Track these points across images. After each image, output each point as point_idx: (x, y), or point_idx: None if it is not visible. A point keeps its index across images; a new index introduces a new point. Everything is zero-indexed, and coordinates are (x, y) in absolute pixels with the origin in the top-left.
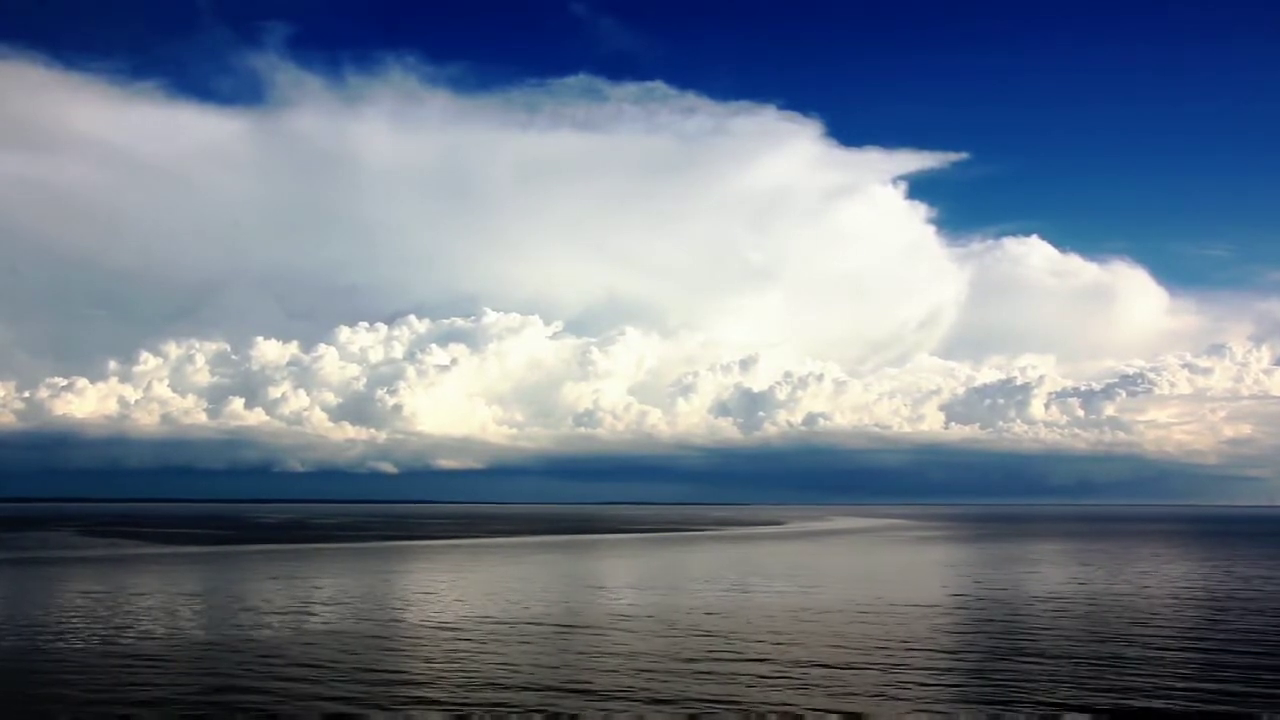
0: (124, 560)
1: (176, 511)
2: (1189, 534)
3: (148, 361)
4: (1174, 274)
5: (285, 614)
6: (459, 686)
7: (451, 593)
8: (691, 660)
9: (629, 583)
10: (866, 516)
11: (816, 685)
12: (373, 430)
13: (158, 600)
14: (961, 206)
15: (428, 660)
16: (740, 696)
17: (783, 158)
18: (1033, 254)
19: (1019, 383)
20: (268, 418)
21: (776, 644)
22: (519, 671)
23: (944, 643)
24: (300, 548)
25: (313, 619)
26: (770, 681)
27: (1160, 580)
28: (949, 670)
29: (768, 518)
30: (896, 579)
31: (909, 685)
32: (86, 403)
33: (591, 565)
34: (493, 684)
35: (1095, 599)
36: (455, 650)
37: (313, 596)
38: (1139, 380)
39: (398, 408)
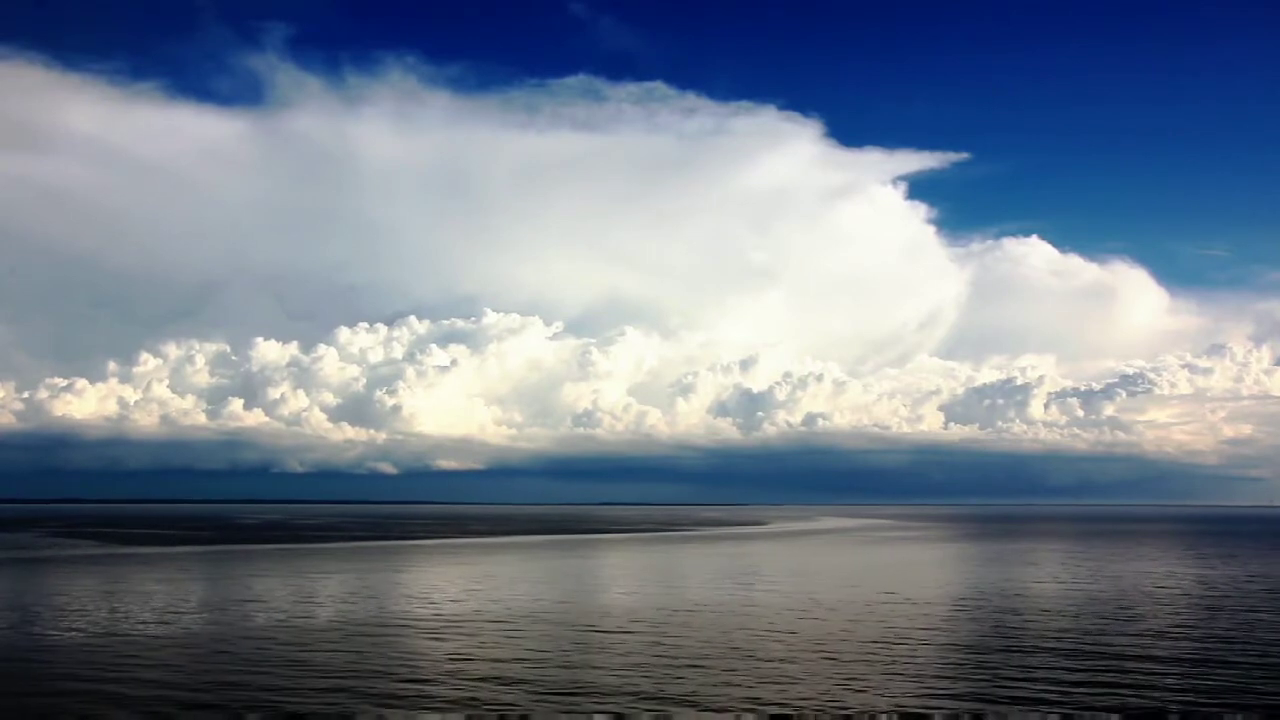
0: (71, 561)
1: (165, 513)
2: (1169, 534)
3: (147, 362)
4: (1174, 274)
5: (196, 613)
6: (295, 681)
7: (371, 592)
8: (545, 653)
9: (560, 583)
10: (857, 517)
11: (647, 677)
12: (372, 431)
13: (73, 599)
14: (961, 207)
15: (286, 657)
16: (577, 689)
17: (783, 158)
18: (1033, 254)
19: (1019, 383)
20: (267, 418)
21: (651, 640)
22: (355, 665)
23: (820, 639)
24: (268, 548)
25: (218, 616)
26: (610, 672)
27: (1091, 579)
28: (793, 666)
29: (754, 518)
30: (834, 578)
31: (749, 680)
32: (86, 403)
33: (539, 566)
34: (324, 674)
35: (1006, 598)
36: (318, 647)
37: (238, 595)
38: (1139, 380)
39: (397, 408)
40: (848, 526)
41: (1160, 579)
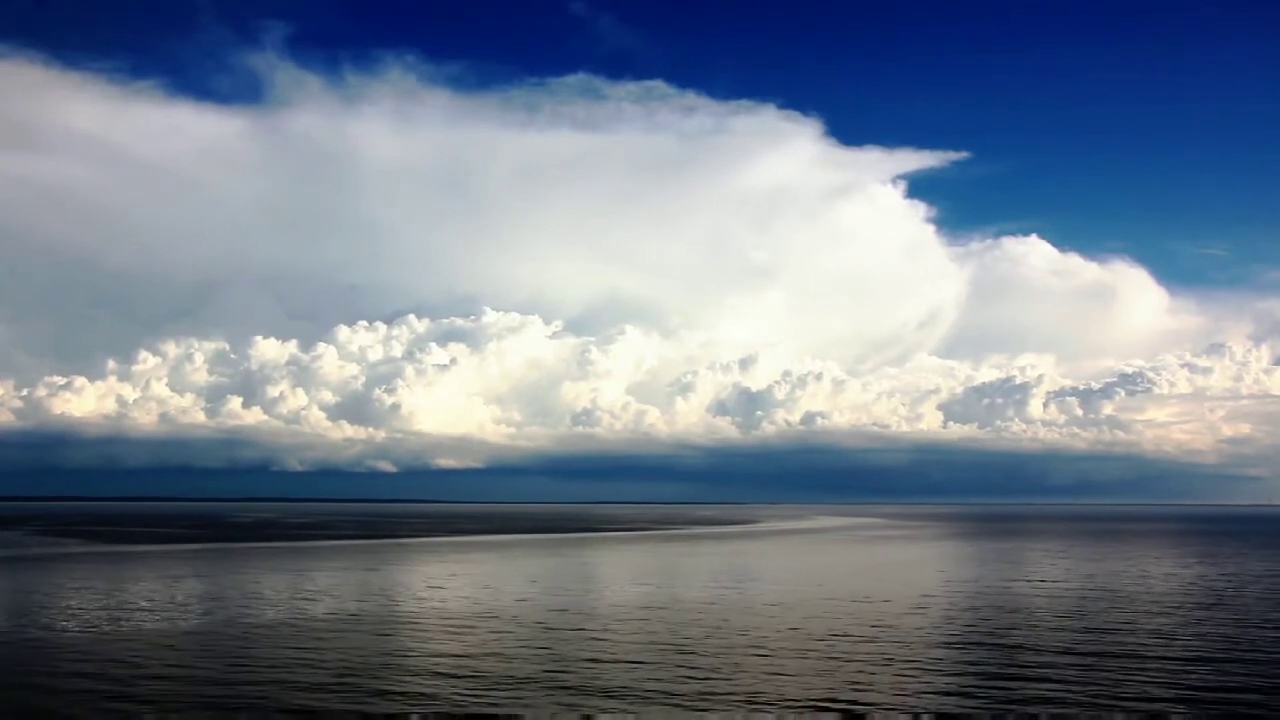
0: (48, 559)
1: (159, 511)
2: (1160, 533)
3: (146, 360)
4: (1174, 273)
5: (150, 610)
6: (226, 675)
7: (335, 589)
8: (485, 650)
9: (526, 581)
10: (851, 516)
11: (573, 673)
12: (371, 429)
13: (33, 597)
14: (961, 206)
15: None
16: (505, 682)
17: (782, 157)
18: (1032, 253)
19: (1018, 382)
20: (266, 417)
21: (594, 638)
22: (290, 660)
23: (763, 636)
24: (252, 546)
25: (171, 613)
26: (541, 668)
27: (1064, 579)
28: (722, 661)
29: (746, 517)
30: (803, 577)
31: (673, 675)
32: (85, 402)
33: (512, 564)
34: (255, 669)
35: (968, 597)
36: (260, 643)
37: (200, 593)
38: (1138, 380)
39: (396, 407)
40: (837, 526)
41: (1131, 579)
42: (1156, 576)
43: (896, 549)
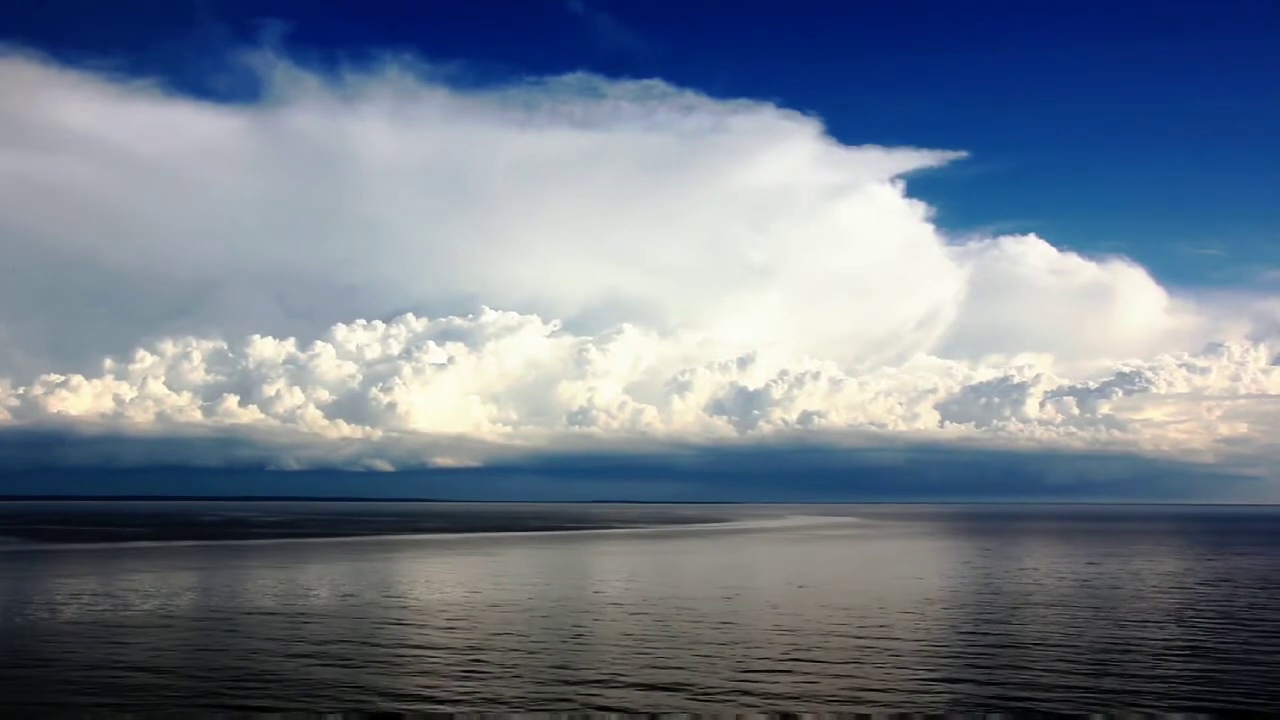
0: None
1: (132, 510)
2: (1145, 533)
3: (144, 359)
4: (1172, 273)
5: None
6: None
7: (228, 588)
8: (328, 647)
9: (430, 580)
10: (831, 515)
11: (382, 672)
12: (368, 428)
13: None
14: (960, 205)
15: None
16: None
17: (781, 156)
18: (1031, 253)
19: (1015, 381)
20: (263, 415)
21: (440, 636)
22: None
23: (595, 633)
24: (193, 545)
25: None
26: (350, 662)
27: (997, 577)
28: (547, 656)
29: (723, 516)
30: (701, 576)
31: (467, 671)
32: (82, 400)
33: (434, 563)
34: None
35: (857, 594)
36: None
37: (69, 591)
38: (1136, 379)
39: (392, 406)
40: (805, 525)
41: (1063, 575)
42: (1107, 575)
43: (836, 548)
